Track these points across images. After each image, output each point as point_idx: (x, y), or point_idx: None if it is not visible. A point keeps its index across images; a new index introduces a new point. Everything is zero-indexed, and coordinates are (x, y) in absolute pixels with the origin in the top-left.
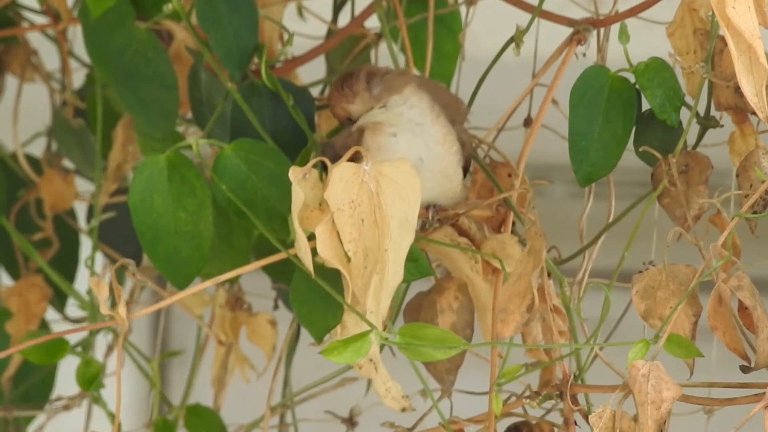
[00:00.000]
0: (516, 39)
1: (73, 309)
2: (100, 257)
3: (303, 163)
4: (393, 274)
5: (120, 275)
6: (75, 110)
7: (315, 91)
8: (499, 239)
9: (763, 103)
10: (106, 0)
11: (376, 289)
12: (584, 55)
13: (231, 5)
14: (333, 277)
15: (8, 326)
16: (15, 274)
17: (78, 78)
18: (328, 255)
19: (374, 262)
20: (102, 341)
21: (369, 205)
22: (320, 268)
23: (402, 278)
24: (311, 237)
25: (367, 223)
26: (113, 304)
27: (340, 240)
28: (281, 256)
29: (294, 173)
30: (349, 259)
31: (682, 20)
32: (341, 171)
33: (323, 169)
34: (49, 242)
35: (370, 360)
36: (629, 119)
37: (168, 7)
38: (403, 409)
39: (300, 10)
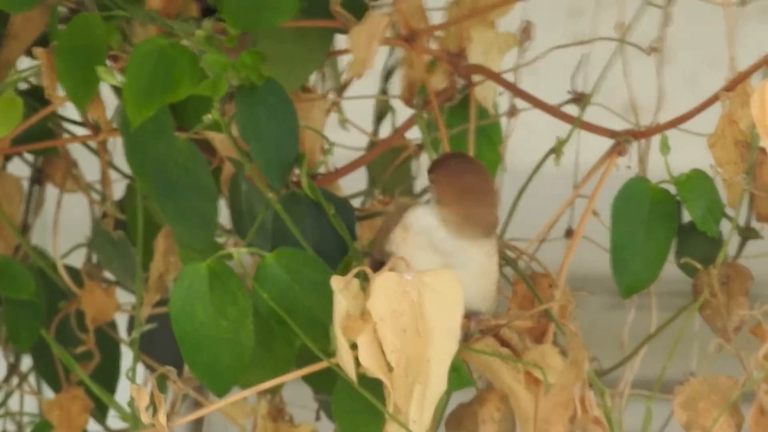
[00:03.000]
0: (556, 150)
1: (114, 420)
2: (141, 368)
3: (344, 273)
4: (436, 384)
5: (161, 385)
6: (115, 222)
7: (356, 202)
8: (540, 350)
9: None
10: (146, 110)
11: (419, 399)
12: (628, 167)
13: (272, 115)
14: (375, 387)
15: None
16: (56, 387)
17: (118, 189)
18: (370, 364)
19: (416, 372)
20: None
21: (411, 314)
22: (362, 378)
23: (445, 388)
24: (353, 346)
25: (410, 333)
26: (154, 413)
27: (382, 350)
28: (323, 365)
29: (336, 282)
30: (391, 369)
31: (723, 132)
32: (383, 281)
33: (365, 279)
34: (90, 354)
35: None
36: (671, 231)
37: (208, 117)
38: None
39: (341, 121)
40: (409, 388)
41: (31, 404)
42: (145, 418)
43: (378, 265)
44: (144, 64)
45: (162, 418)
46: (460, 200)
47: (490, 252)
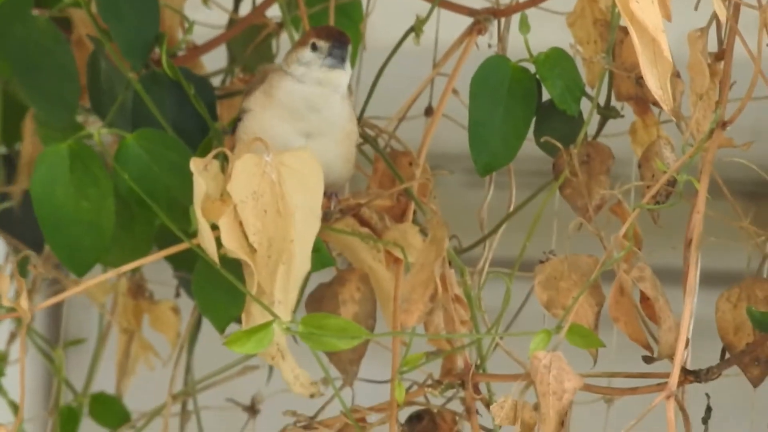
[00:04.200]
0: (416, 28)
1: None
2: (1, 245)
3: (204, 154)
4: (300, 264)
5: (22, 265)
6: None
7: (216, 81)
8: (401, 229)
9: (668, 96)
10: None
11: (283, 280)
12: (489, 45)
13: None
14: (235, 268)
15: None
16: None
17: None
18: (232, 246)
19: (279, 252)
20: (4, 328)
21: (272, 195)
22: (222, 258)
23: (309, 268)
24: (213, 227)
25: (270, 214)
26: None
27: (243, 231)
28: (184, 246)
29: (195, 164)
30: (254, 250)
31: (583, 11)
32: (243, 163)
33: (225, 159)
34: None
35: (278, 348)
36: (530, 109)
37: None
38: (312, 395)
39: None
40: (273, 269)
41: None
42: (6, 301)
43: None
44: None
45: (24, 302)
46: None
47: (351, 113)
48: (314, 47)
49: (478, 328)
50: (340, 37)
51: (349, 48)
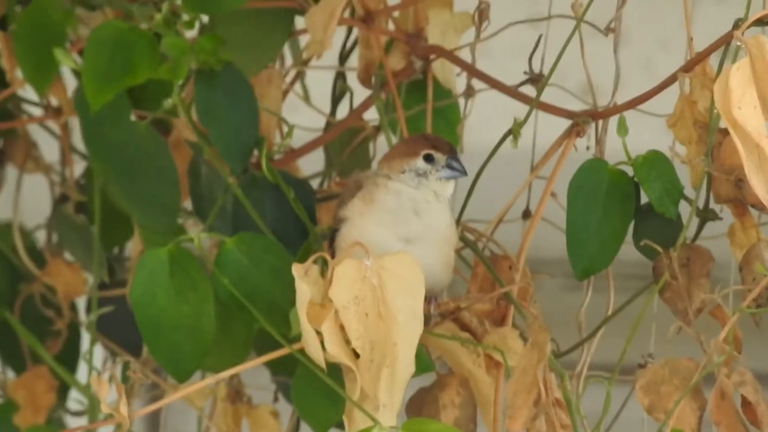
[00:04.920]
0: (514, 131)
1: (72, 403)
2: (99, 349)
3: (304, 258)
4: (404, 366)
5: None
6: (76, 204)
7: (314, 184)
8: (501, 333)
9: None
10: (105, 94)
11: (387, 383)
12: (587, 148)
13: (231, 99)
14: (335, 372)
15: (16, 419)
16: (18, 368)
17: (78, 170)
18: (335, 351)
19: (382, 356)
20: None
21: (373, 299)
22: None
23: (413, 371)
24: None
25: (372, 318)
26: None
27: (345, 336)
28: (284, 351)
29: (297, 270)
30: (356, 355)
31: (682, 112)
32: (343, 268)
33: (324, 264)
34: (49, 334)
35: None
36: (628, 213)
37: (168, 102)
38: None
39: (304, 98)
40: (376, 373)
41: None
42: (105, 408)
43: (332, 235)
44: (102, 48)
45: (123, 408)
46: None
47: (451, 218)
48: (429, 158)
49: None
50: (453, 149)
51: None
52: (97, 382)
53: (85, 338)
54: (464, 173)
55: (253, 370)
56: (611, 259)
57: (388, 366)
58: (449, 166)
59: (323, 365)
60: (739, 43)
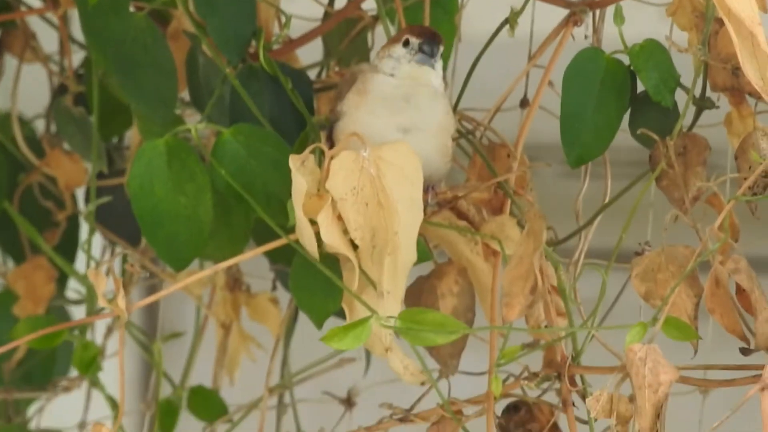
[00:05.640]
0: (511, 20)
1: (72, 292)
2: (98, 239)
3: (302, 148)
4: (406, 254)
5: (120, 263)
6: (74, 96)
7: (312, 74)
8: (498, 221)
9: None
10: None
11: (390, 270)
12: (585, 37)
13: None
14: (332, 263)
15: (16, 309)
16: (18, 258)
17: (76, 60)
18: (333, 241)
19: (383, 243)
20: (101, 322)
21: (372, 189)
22: (319, 253)
23: (415, 259)
24: (312, 222)
25: (372, 207)
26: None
27: (342, 226)
28: (282, 241)
29: (293, 161)
30: (353, 246)
31: (681, 1)
32: (341, 160)
33: (321, 154)
34: (48, 225)
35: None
36: (623, 101)
37: None
38: (423, 383)
39: None
40: (379, 260)
41: None
42: (103, 301)
43: (330, 128)
44: None
45: (121, 301)
46: None
47: (447, 106)
48: (406, 43)
49: (572, 320)
50: (432, 35)
51: (441, 47)
52: (95, 275)
53: (84, 228)
54: (430, 56)
55: (252, 259)
56: (605, 147)
57: (390, 254)
58: (421, 50)
59: (317, 256)
60: None
